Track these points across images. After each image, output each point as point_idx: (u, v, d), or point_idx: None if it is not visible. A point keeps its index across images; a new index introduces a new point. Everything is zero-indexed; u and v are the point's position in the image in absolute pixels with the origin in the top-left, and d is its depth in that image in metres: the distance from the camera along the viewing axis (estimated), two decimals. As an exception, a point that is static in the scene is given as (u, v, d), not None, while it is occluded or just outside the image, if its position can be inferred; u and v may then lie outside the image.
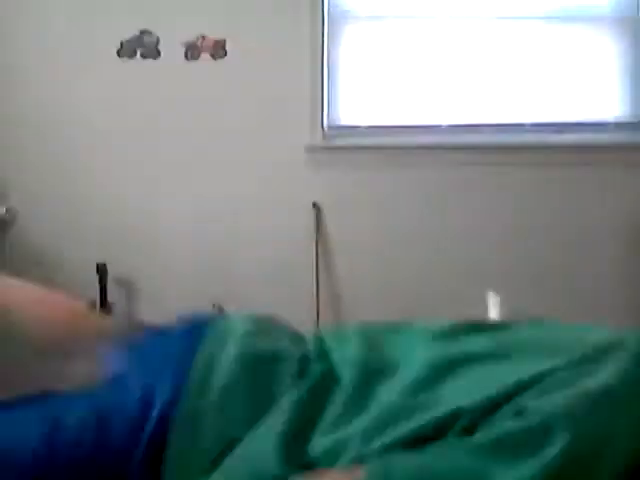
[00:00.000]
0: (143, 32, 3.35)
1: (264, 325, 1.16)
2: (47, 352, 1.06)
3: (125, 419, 0.95)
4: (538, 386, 0.81)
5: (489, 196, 3.37)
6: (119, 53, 3.36)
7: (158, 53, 3.37)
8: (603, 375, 0.81)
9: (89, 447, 0.95)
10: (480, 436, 0.79)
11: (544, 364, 0.85)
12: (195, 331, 1.08)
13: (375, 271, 3.34)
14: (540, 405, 0.78)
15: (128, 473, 0.93)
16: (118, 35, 3.35)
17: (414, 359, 0.95)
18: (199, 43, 3.36)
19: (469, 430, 0.81)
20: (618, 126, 3.41)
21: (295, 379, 0.98)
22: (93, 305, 3.09)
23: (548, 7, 3.41)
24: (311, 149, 3.35)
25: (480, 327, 1.03)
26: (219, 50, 3.37)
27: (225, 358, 1.00)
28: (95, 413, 0.96)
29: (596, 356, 0.86)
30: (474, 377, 0.89)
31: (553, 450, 0.74)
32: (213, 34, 3.36)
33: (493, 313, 3.33)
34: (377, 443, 0.84)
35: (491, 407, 0.82)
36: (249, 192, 3.36)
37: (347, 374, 0.97)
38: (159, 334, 1.14)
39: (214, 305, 3.07)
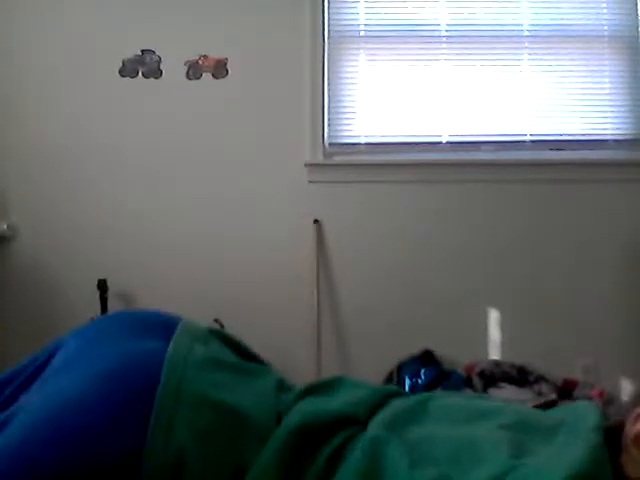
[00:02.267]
0: (145, 51, 3.39)
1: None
2: None
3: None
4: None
5: (489, 213, 3.37)
6: (121, 72, 3.39)
7: (160, 72, 3.40)
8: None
9: None
10: None
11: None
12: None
13: (376, 287, 3.34)
14: None
15: None
16: (120, 54, 3.38)
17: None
18: (201, 62, 3.39)
19: None
20: (617, 143, 3.43)
21: None
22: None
23: (548, 25, 3.45)
24: (312, 166, 3.37)
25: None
26: (221, 69, 3.40)
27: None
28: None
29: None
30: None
31: None
32: (214, 53, 3.39)
33: (493, 330, 3.34)
34: None
35: None
36: (250, 209, 3.37)
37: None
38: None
39: (216, 320, 3.07)
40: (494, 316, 3.33)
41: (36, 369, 1.15)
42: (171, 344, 1.11)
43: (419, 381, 3.01)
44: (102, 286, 3.18)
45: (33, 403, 1.04)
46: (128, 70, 3.39)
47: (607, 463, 0.91)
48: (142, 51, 3.39)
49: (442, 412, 1.09)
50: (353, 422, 1.07)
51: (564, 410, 1.11)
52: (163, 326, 1.19)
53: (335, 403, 1.11)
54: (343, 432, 1.04)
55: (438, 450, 0.97)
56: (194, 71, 3.39)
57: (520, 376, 3.09)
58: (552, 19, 3.45)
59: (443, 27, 3.46)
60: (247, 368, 1.19)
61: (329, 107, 3.42)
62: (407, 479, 0.92)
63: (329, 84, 3.42)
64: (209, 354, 1.14)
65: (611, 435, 0.96)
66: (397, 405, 1.11)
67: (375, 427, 1.04)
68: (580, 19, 3.46)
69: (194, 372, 1.06)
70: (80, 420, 0.98)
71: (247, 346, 1.30)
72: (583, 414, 1.01)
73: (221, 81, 3.40)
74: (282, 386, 1.19)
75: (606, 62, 3.45)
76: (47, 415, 1.00)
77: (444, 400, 1.14)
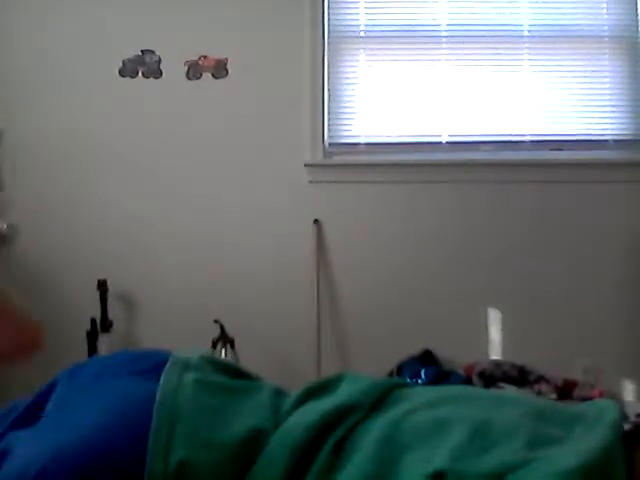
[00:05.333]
0: (145, 51, 3.39)
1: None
2: None
3: None
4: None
5: (489, 213, 3.37)
6: (121, 72, 3.39)
7: (160, 72, 3.39)
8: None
9: None
10: None
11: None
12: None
13: (376, 287, 3.34)
14: None
15: None
16: (120, 54, 3.38)
17: None
18: (201, 62, 3.39)
19: None
20: (617, 143, 3.43)
21: None
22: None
23: (548, 26, 3.45)
24: (312, 166, 3.37)
25: None
26: (221, 69, 3.39)
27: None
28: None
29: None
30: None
31: None
32: (215, 53, 3.39)
33: (493, 330, 3.34)
34: None
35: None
36: (250, 209, 3.37)
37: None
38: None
39: (216, 321, 3.07)
40: (494, 316, 3.33)
41: (31, 406, 1.19)
42: (160, 381, 1.14)
43: (419, 381, 3.01)
44: (102, 286, 3.18)
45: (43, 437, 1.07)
46: (128, 70, 3.39)
47: (621, 458, 0.93)
48: (142, 51, 3.39)
49: (464, 398, 1.11)
50: (355, 409, 1.10)
51: (585, 405, 1.14)
52: (156, 365, 1.22)
53: (337, 398, 1.14)
54: (346, 422, 1.07)
55: (453, 435, 1.00)
56: (194, 71, 3.39)
57: (520, 376, 3.09)
58: (552, 19, 3.45)
59: (443, 27, 3.46)
60: (239, 387, 1.21)
61: (329, 107, 3.42)
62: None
63: (329, 84, 3.42)
64: (199, 380, 1.17)
65: (632, 434, 0.98)
66: (414, 395, 1.14)
67: (386, 423, 1.06)
68: (580, 19, 3.46)
69: (184, 405, 1.09)
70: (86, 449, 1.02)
71: (240, 367, 1.34)
72: (602, 410, 1.04)
73: (221, 81, 3.40)
74: (279, 395, 1.21)
75: (606, 62, 3.45)
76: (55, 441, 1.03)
77: (464, 389, 1.17)
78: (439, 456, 0.95)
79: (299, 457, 1.02)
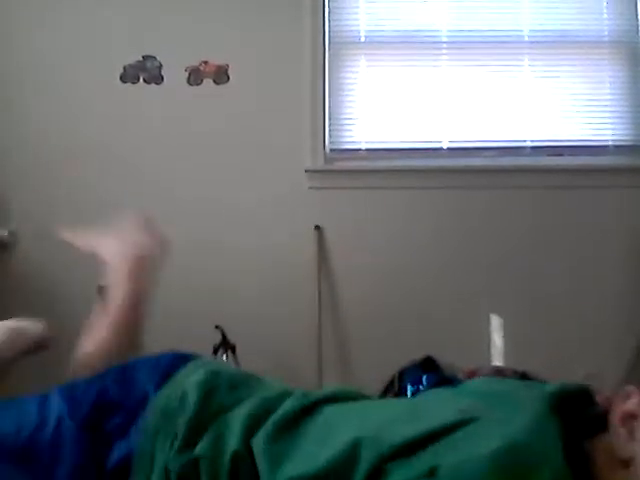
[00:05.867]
0: (146, 57, 3.39)
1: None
2: None
3: None
4: (450, 438, 0.86)
5: (489, 219, 3.37)
6: (122, 78, 3.39)
7: (161, 78, 3.40)
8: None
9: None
10: None
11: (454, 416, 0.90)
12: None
13: (377, 293, 3.33)
14: (453, 468, 0.81)
15: None
16: (121, 60, 3.39)
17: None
18: (202, 68, 3.40)
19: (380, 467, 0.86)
20: (617, 149, 3.43)
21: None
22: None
23: (549, 31, 3.45)
24: (312, 172, 3.37)
25: None
26: (222, 75, 3.40)
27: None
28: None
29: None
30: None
31: None
32: (216, 59, 3.39)
33: (496, 336, 3.33)
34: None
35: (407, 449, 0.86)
36: (251, 215, 3.37)
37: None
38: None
39: (217, 327, 3.06)
40: (496, 322, 3.33)
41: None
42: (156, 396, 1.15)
43: (420, 387, 3.00)
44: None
45: None
46: (129, 76, 3.40)
47: (552, 432, 0.87)
48: (143, 57, 3.39)
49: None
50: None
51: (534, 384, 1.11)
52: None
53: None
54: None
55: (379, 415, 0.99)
56: (195, 77, 3.39)
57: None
58: (552, 25, 3.46)
59: (443, 33, 3.47)
60: None
61: (330, 113, 3.42)
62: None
63: (330, 90, 3.42)
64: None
65: (598, 415, 0.94)
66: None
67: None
68: (580, 25, 3.47)
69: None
70: None
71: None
72: (546, 386, 0.99)
73: (222, 87, 3.40)
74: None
75: (606, 68, 3.45)
76: None
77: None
78: (362, 429, 0.93)
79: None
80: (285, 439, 0.98)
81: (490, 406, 0.93)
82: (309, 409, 1.04)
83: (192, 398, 1.07)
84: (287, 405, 1.05)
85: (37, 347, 1.61)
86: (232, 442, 1.00)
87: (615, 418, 0.91)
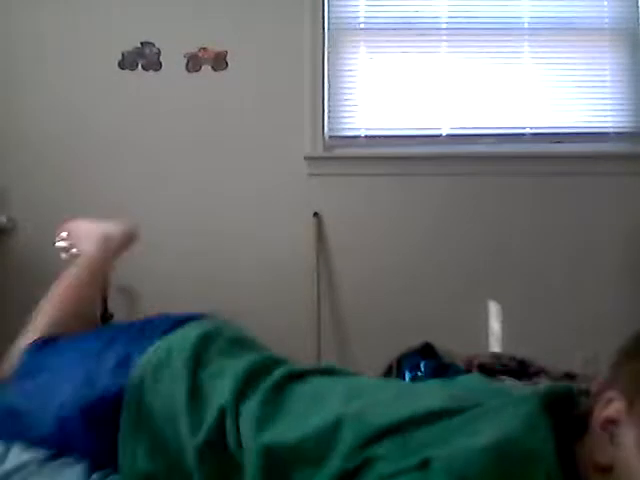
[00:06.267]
0: (144, 44, 3.38)
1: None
2: None
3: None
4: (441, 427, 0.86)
5: (489, 205, 3.37)
6: (120, 65, 3.38)
7: (159, 65, 3.39)
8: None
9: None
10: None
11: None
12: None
13: (376, 280, 3.34)
14: (447, 461, 0.80)
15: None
16: (119, 47, 3.37)
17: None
18: (200, 55, 3.38)
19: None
20: (618, 136, 3.43)
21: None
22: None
23: (549, 18, 3.44)
24: (312, 159, 3.36)
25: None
26: (220, 62, 3.39)
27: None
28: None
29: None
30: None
31: None
32: (214, 46, 3.38)
33: (494, 322, 3.34)
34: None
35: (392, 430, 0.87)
36: (250, 202, 3.37)
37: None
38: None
39: (215, 314, 3.06)
40: (494, 309, 3.33)
41: None
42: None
43: (419, 374, 3.01)
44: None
45: None
46: (127, 62, 3.38)
47: (544, 428, 0.87)
48: (141, 43, 3.38)
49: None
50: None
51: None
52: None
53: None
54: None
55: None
56: (194, 63, 3.38)
57: (520, 369, 3.09)
58: (552, 11, 3.45)
59: (443, 19, 3.45)
60: None
61: (329, 99, 3.41)
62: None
63: (329, 76, 3.41)
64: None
65: (580, 420, 0.94)
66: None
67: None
68: (581, 11, 3.45)
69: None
70: None
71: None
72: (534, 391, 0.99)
73: (221, 73, 3.39)
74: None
75: (606, 54, 3.44)
76: None
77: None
78: (348, 406, 0.94)
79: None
80: (271, 405, 0.99)
81: (483, 398, 0.94)
82: (298, 376, 1.07)
83: (193, 339, 1.19)
84: (278, 372, 1.08)
85: (127, 242, 1.91)
86: (222, 396, 1.04)
87: (596, 423, 0.91)
